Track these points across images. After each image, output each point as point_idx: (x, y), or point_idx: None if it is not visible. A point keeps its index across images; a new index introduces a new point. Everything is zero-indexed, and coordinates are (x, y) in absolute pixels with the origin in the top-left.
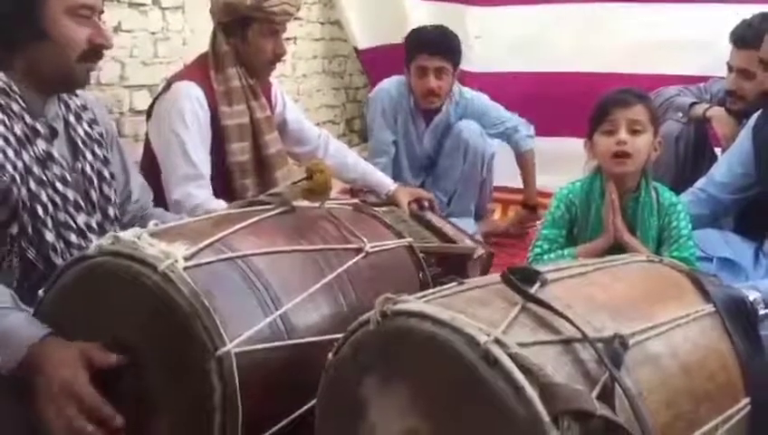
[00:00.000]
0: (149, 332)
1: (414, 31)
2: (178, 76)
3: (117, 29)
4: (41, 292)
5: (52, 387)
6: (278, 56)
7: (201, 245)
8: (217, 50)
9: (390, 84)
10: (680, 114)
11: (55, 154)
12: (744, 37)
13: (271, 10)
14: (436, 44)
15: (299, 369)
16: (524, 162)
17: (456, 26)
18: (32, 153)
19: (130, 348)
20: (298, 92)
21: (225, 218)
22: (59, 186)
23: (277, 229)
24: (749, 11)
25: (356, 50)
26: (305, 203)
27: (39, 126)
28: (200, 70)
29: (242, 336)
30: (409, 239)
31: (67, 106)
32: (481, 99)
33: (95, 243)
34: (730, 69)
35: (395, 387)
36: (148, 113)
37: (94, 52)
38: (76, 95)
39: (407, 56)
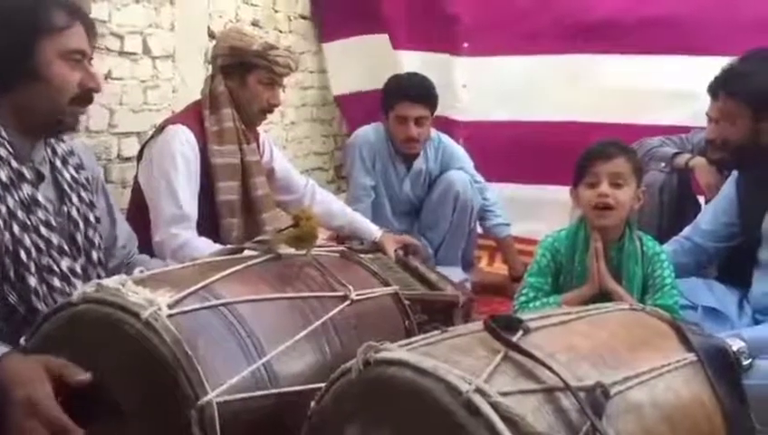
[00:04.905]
0: (132, 379)
1: (392, 79)
2: (171, 120)
3: (107, 77)
4: (22, 340)
5: (16, 404)
6: (272, 106)
7: (185, 292)
8: (214, 90)
9: (369, 130)
10: (663, 164)
11: (40, 199)
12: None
13: (275, 60)
14: (417, 93)
15: (282, 417)
16: (506, 246)
17: (443, 75)
18: (17, 198)
19: (113, 395)
20: (287, 139)
21: (210, 266)
22: (43, 230)
23: (262, 277)
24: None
25: (335, 97)
26: (291, 250)
27: (25, 170)
28: (193, 113)
29: (224, 385)
30: (395, 287)
31: (54, 151)
32: (457, 150)
33: (79, 290)
34: (709, 119)
35: None
36: (139, 156)
37: (85, 95)
38: (63, 141)
39: (385, 103)
